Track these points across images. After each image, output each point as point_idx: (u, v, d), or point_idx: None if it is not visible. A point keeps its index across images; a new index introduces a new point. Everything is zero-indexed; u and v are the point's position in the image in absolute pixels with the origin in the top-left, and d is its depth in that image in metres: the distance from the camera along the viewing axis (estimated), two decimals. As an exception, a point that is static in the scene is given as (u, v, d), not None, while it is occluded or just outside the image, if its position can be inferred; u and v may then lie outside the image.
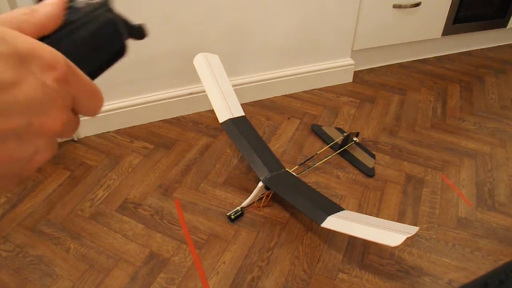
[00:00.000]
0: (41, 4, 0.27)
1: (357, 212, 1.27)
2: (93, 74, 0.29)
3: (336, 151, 1.48)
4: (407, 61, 2.10)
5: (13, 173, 0.24)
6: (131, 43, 0.36)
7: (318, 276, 1.10)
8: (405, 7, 1.81)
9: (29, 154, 0.24)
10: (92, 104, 0.27)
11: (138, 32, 0.34)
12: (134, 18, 0.35)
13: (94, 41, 0.29)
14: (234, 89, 1.39)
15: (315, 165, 1.43)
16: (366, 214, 1.28)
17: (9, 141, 0.22)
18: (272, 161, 1.27)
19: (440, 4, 1.89)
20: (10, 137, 0.22)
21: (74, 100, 0.26)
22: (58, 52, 0.24)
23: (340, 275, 1.11)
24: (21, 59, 0.22)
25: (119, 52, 0.31)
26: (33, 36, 0.25)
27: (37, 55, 0.23)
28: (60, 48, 0.26)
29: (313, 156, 1.47)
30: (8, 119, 0.22)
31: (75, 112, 0.27)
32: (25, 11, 0.26)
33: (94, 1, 0.30)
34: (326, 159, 1.46)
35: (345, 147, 1.48)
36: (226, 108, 1.34)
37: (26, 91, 0.22)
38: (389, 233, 0.98)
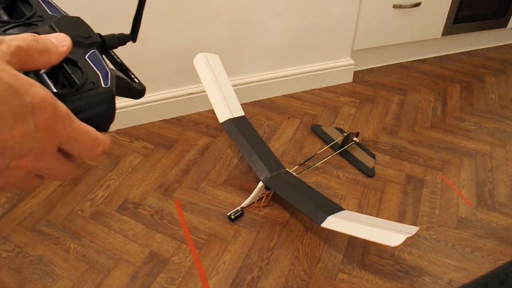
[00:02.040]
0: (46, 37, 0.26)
1: (357, 212, 1.27)
2: None
3: (336, 151, 1.48)
4: (407, 61, 2.10)
5: None
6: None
7: (318, 276, 1.10)
8: (405, 7, 1.81)
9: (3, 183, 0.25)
10: (84, 151, 0.27)
11: (136, 94, 0.33)
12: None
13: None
14: (234, 89, 1.39)
15: (315, 165, 1.43)
16: (366, 214, 1.28)
17: None
18: (272, 161, 1.27)
19: (440, 4, 1.89)
20: None
21: (63, 145, 0.26)
22: (54, 102, 0.24)
23: (340, 275, 1.11)
24: (26, 111, 0.23)
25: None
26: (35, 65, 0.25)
27: (41, 109, 0.23)
28: None
29: (313, 156, 1.47)
30: None
31: (67, 154, 0.27)
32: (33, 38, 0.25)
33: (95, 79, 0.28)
34: (326, 159, 1.46)
35: (345, 147, 1.48)
36: (226, 108, 1.34)
37: (16, 139, 0.23)
38: (389, 233, 0.98)
